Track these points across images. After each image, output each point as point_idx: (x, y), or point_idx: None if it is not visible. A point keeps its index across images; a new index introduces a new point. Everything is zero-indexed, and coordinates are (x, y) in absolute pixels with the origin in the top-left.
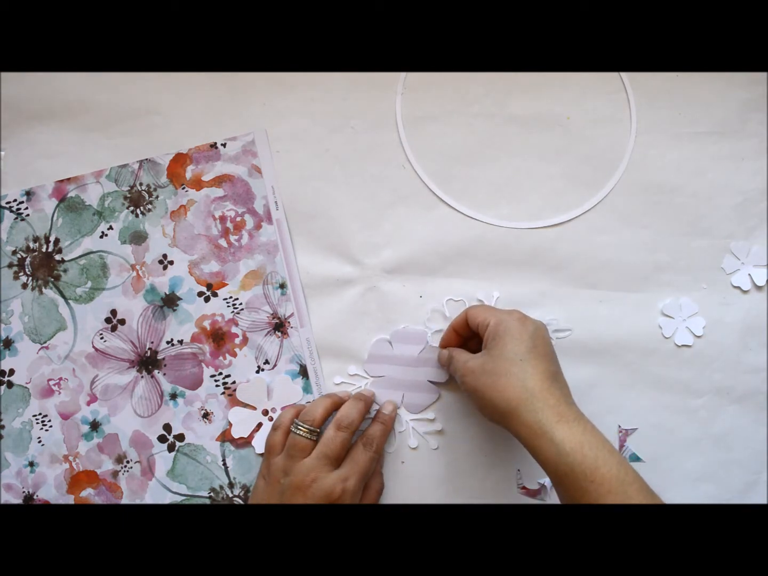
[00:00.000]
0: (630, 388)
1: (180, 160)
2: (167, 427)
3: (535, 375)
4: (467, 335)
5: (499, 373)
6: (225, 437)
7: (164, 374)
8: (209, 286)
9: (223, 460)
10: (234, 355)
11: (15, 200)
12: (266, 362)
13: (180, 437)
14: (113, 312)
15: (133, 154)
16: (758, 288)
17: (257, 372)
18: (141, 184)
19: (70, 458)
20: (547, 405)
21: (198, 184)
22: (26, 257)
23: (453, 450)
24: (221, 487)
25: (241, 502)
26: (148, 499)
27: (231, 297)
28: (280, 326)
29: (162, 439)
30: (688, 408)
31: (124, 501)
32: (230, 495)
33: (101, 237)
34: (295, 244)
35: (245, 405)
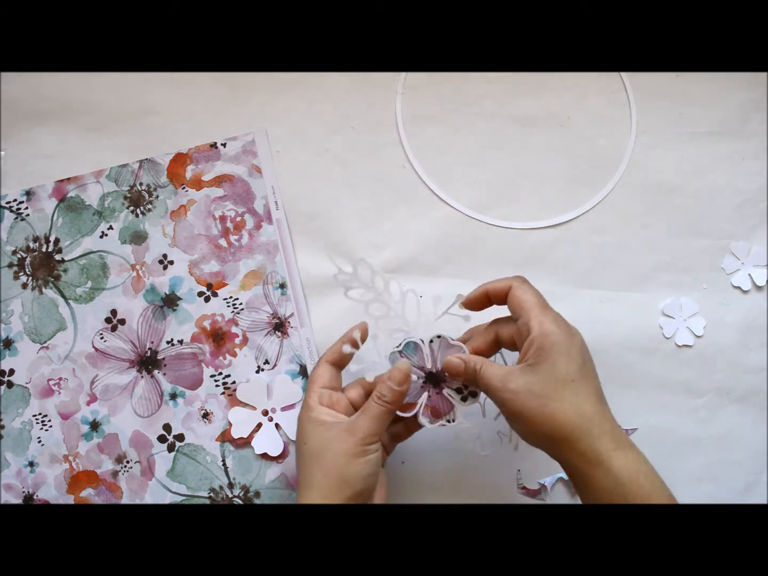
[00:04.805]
0: (630, 388)
1: (180, 160)
2: (167, 427)
3: (589, 398)
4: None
5: (550, 396)
6: (225, 437)
7: (164, 374)
8: (209, 286)
9: (223, 460)
10: (234, 355)
11: (15, 200)
12: (266, 362)
13: (180, 437)
14: (113, 312)
15: (133, 154)
16: (758, 288)
17: (257, 372)
18: (141, 184)
19: (70, 458)
20: (603, 431)
21: (198, 184)
22: (26, 257)
23: (453, 450)
24: (221, 488)
25: (240, 502)
26: (148, 499)
27: (231, 297)
28: (280, 326)
29: (162, 439)
30: (688, 408)
31: (124, 501)
32: (230, 495)
33: (101, 237)
34: (295, 244)
35: (245, 405)
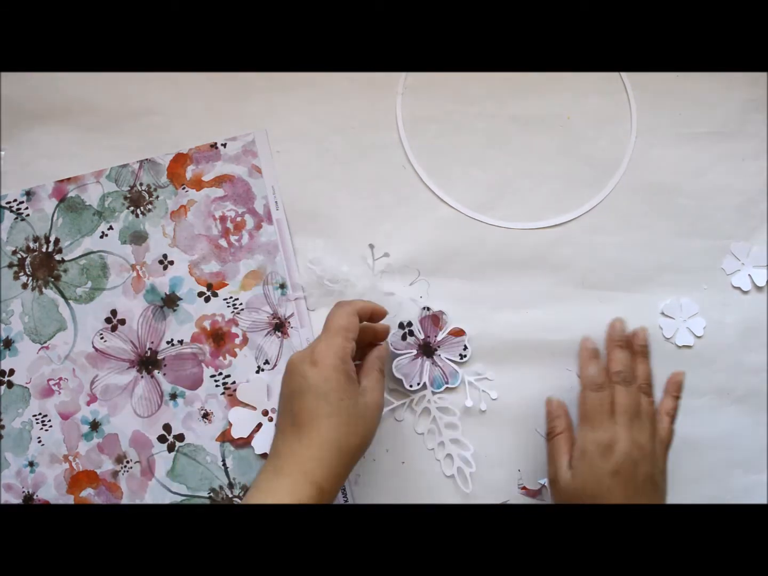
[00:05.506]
0: None
1: (180, 160)
2: (167, 427)
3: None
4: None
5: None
6: (225, 437)
7: (164, 374)
8: (209, 286)
9: (223, 460)
10: (234, 355)
11: (15, 200)
12: (266, 362)
13: (180, 437)
14: (113, 312)
15: (133, 154)
16: (758, 288)
17: (257, 372)
18: (141, 184)
19: (70, 458)
20: None
21: (198, 184)
22: (26, 257)
23: None
24: (221, 488)
25: (240, 502)
26: (148, 499)
27: (231, 297)
28: (280, 326)
29: (162, 439)
30: (688, 408)
31: (124, 501)
32: (230, 495)
33: (101, 237)
34: (295, 244)
35: (245, 405)
